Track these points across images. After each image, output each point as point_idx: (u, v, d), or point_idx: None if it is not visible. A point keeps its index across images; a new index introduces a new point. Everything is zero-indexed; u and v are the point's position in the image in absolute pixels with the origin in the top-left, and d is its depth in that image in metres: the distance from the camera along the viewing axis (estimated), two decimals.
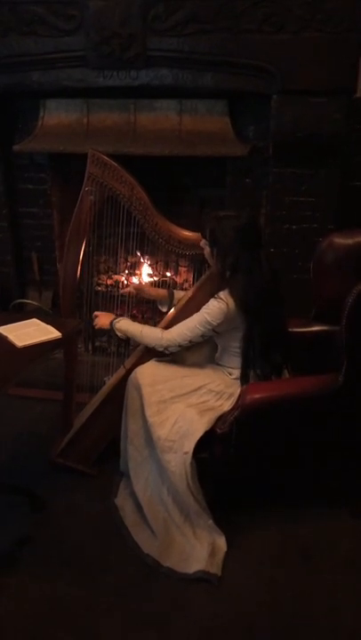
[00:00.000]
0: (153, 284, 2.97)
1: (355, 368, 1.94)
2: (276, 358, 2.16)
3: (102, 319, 2.37)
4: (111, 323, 2.31)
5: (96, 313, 2.42)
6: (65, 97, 2.90)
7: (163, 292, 2.57)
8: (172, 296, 2.50)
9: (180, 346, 2.15)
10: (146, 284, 2.49)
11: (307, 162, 2.69)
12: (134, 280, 3.32)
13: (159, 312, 2.58)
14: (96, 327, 2.40)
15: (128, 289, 2.74)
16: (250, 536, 2.14)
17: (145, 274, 3.29)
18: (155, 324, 2.44)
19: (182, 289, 2.82)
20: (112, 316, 2.35)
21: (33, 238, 3.33)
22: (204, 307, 2.08)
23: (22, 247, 3.36)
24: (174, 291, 2.55)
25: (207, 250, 2.15)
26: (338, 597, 1.89)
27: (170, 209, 2.43)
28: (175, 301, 2.48)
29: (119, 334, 2.29)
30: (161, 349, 2.19)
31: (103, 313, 2.41)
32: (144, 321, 3.02)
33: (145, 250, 2.68)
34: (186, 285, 3.06)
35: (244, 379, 2.14)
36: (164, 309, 2.52)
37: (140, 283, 2.48)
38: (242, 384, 2.13)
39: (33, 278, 3.41)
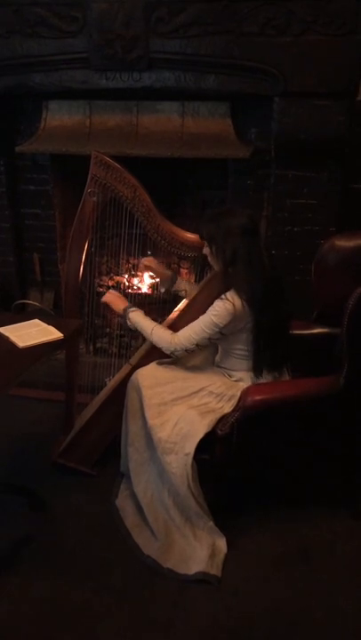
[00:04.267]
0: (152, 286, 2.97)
1: (356, 370, 1.95)
2: (279, 355, 2.15)
3: (116, 301, 2.34)
4: (125, 309, 2.29)
5: (111, 291, 2.39)
6: (68, 98, 2.91)
7: (168, 273, 2.55)
8: (173, 279, 2.50)
9: (186, 350, 2.14)
10: (155, 261, 2.50)
11: (309, 164, 2.69)
12: (135, 281, 3.33)
13: (162, 312, 2.58)
14: (103, 300, 2.36)
15: (140, 267, 2.71)
16: (250, 537, 2.14)
17: (146, 275, 3.29)
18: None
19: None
20: (126, 303, 2.32)
21: (35, 239, 3.33)
22: (210, 308, 2.07)
23: (24, 248, 3.37)
24: (178, 276, 2.54)
25: (207, 250, 2.16)
26: (338, 599, 1.89)
27: (172, 210, 2.43)
28: (175, 286, 2.49)
29: (129, 324, 2.28)
30: (168, 352, 2.18)
31: (117, 294, 2.38)
32: None
33: (147, 251, 2.68)
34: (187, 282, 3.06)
35: (256, 372, 2.13)
36: (163, 289, 2.54)
37: (150, 260, 2.48)
38: (256, 377, 2.13)
39: (35, 279, 3.42)
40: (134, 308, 2.29)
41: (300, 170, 2.72)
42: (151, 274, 2.70)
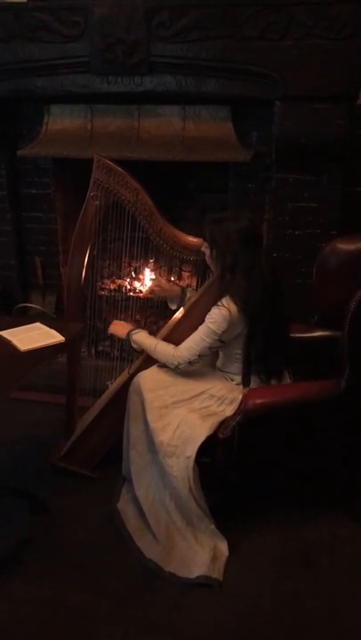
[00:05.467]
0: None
1: (357, 373, 1.95)
2: (278, 361, 2.16)
3: (119, 328, 2.37)
4: (128, 334, 2.31)
5: (114, 322, 2.43)
6: (69, 102, 2.92)
7: (177, 289, 2.58)
8: (184, 295, 2.51)
9: (189, 362, 2.14)
10: (164, 281, 2.51)
11: (309, 167, 2.70)
12: (136, 284, 3.33)
13: (163, 316, 2.59)
14: (109, 332, 2.40)
15: (148, 291, 2.72)
16: (251, 540, 2.14)
17: (148, 279, 3.30)
18: (158, 329, 2.45)
19: None
20: (129, 327, 2.35)
21: (37, 243, 3.34)
22: (207, 316, 2.07)
23: (26, 251, 3.37)
24: (188, 290, 2.55)
25: (208, 252, 2.16)
26: (339, 602, 1.89)
27: (173, 214, 2.43)
28: (186, 300, 2.48)
29: (134, 346, 2.30)
30: (173, 367, 2.18)
31: (120, 322, 2.42)
32: (148, 325, 3.02)
33: (149, 255, 2.68)
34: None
35: (245, 381, 2.14)
36: (174, 307, 2.53)
37: (159, 279, 2.49)
38: (244, 387, 2.13)
39: (36, 282, 3.42)
40: (137, 330, 2.31)
41: (300, 173, 2.73)
42: (160, 293, 2.69)
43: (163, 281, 2.51)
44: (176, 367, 2.17)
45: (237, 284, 2.04)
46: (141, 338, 2.28)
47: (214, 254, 2.11)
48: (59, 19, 2.57)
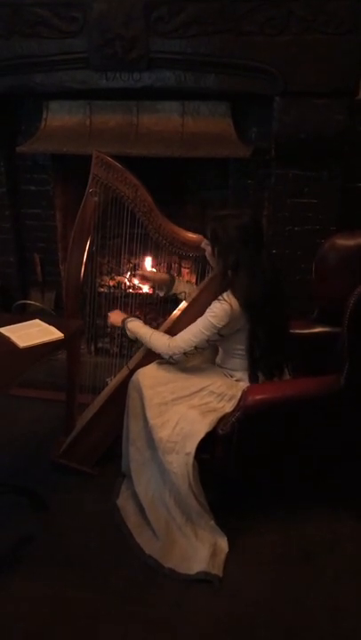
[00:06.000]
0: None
1: (357, 369, 1.94)
2: (279, 357, 2.16)
3: (115, 316, 2.38)
4: (123, 321, 2.31)
5: (110, 312, 2.43)
6: (68, 98, 2.91)
7: (165, 276, 2.58)
8: (172, 282, 2.51)
9: (185, 353, 2.14)
10: (149, 270, 2.52)
11: (309, 163, 2.69)
12: (136, 282, 3.33)
13: (163, 312, 2.59)
14: (108, 322, 2.41)
15: (136, 279, 2.74)
16: (251, 537, 2.14)
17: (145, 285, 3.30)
18: (158, 325, 2.44)
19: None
20: (124, 315, 2.36)
21: (36, 239, 3.33)
22: (208, 310, 2.07)
23: (25, 248, 3.37)
24: (177, 279, 2.55)
25: (209, 250, 2.15)
26: (339, 599, 1.89)
27: (172, 210, 2.43)
28: (174, 289, 2.50)
29: (129, 334, 2.29)
30: (167, 357, 2.18)
31: (117, 311, 2.42)
32: (147, 321, 3.02)
33: (148, 251, 2.68)
34: (187, 283, 3.06)
35: (252, 378, 2.14)
36: (162, 294, 2.54)
37: (143, 268, 2.50)
38: (251, 383, 2.13)
39: (35, 279, 3.42)
40: (132, 318, 2.32)
41: (300, 169, 2.72)
42: (148, 283, 2.71)
43: (147, 270, 2.52)
44: (170, 357, 2.17)
45: (240, 282, 2.04)
46: (136, 326, 2.28)
47: (216, 252, 2.11)
48: (57, 14, 2.56)
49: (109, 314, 2.42)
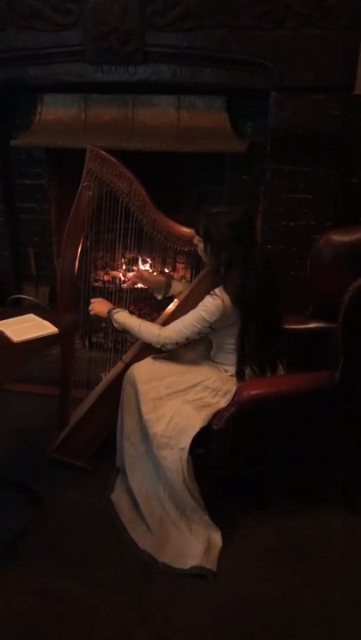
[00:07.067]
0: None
1: (351, 365, 1.95)
2: (272, 354, 2.16)
3: (99, 306, 2.34)
4: (109, 312, 2.29)
5: (93, 300, 2.38)
6: (63, 92, 2.90)
7: (161, 279, 2.57)
8: (168, 284, 2.50)
9: (176, 343, 2.15)
10: (145, 271, 2.50)
11: (305, 158, 2.69)
12: (130, 276, 3.32)
13: (157, 308, 2.58)
14: (91, 313, 2.36)
15: (129, 282, 2.74)
16: (245, 532, 2.15)
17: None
18: (153, 321, 2.44)
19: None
20: (109, 305, 2.33)
21: (30, 233, 3.32)
22: (200, 304, 2.08)
23: (19, 242, 3.35)
24: (173, 280, 2.55)
25: (201, 246, 2.15)
26: (333, 593, 1.90)
27: (168, 205, 2.42)
28: (171, 291, 2.49)
29: (115, 325, 2.28)
30: (158, 346, 2.19)
31: (100, 300, 2.38)
32: (142, 317, 3.01)
33: (143, 246, 2.67)
34: (183, 282, 3.05)
35: (239, 375, 2.14)
36: (159, 297, 2.53)
37: (139, 270, 2.48)
38: (238, 380, 2.13)
39: (30, 273, 3.40)
40: (118, 309, 2.29)
41: (296, 165, 2.72)
42: (142, 285, 2.70)
43: (144, 271, 2.50)
44: (162, 346, 2.17)
45: (232, 280, 2.04)
46: (123, 317, 2.26)
47: (208, 249, 2.10)
48: (52, 6, 2.55)
49: (92, 301, 2.37)
